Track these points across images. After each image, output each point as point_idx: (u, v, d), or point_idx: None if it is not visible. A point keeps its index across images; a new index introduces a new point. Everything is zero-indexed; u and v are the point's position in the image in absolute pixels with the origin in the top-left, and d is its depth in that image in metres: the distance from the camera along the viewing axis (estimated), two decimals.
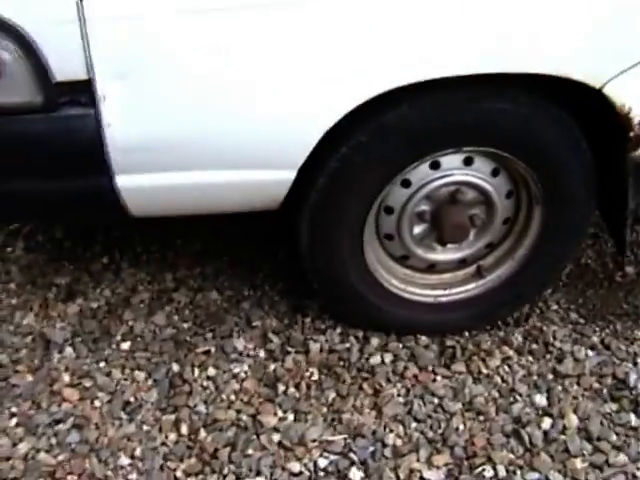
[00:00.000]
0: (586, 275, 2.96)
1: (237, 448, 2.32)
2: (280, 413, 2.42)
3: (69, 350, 2.62)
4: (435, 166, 2.28)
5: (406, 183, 2.30)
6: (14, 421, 2.40)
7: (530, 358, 2.61)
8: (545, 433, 2.37)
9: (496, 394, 2.49)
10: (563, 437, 2.36)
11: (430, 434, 2.37)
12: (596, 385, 2.52)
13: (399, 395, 2.48)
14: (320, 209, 2.27)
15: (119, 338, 2.67)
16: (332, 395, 2.48)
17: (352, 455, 2.31)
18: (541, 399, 2.47)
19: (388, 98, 1.98)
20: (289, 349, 2.63)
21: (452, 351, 2.62)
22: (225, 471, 2.26)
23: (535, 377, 2.55)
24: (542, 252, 2.52)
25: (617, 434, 2.37)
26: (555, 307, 2.81)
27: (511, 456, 2.30)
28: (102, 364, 2.58)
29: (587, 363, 2.59)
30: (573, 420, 2.40)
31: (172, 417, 2.41)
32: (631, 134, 2.14)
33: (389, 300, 2.56)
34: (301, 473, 2.27)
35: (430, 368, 2.57)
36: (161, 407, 2.44)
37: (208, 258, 3.01)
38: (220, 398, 2.46)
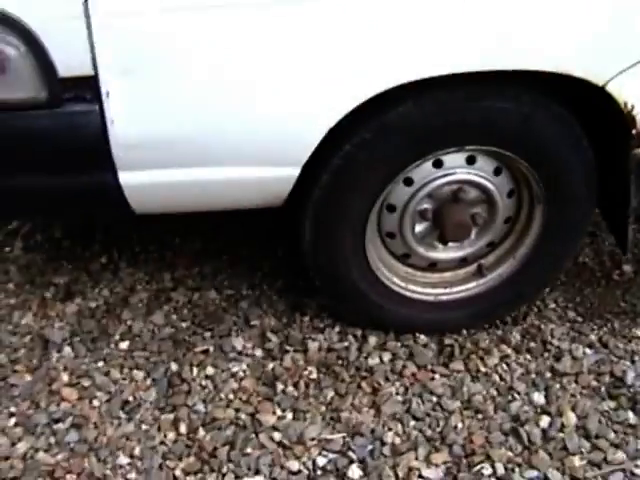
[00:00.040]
0: (584, 274, 2.97)
1: (236, 447, 2.32)
2: (279, 412, 2.43)
3: (68, 350, 2.62)
4: (438, 164, 2.28)
5: (408, 181, 2.30)
6: (13, 421, 2.40)
7: (528, 356, 2.62)
8: (543, 431, 2.37)
9: (494, 392, 2.49)
10: (561, 435, 2.36)
11: (429, 432, 2.37)
12: (594, 383, 2.52)
13: (398, 394, 2.49)
14: (323, 206, 2.28)
15: (118, 338, 2.67)
16: (331, 394, 2.48)
17: (351, 453, 2.31)
18: (539, 397, 2.47)
19: (392, 96, 1.99)
20: (288, 348, 2.63)
21: (450, 350, 2.63)
22: (224, 470, 2.26)
23: (533, 375, 2.55)
24: (543, 251, 2.53)
25: (615, 432, 2.37)
26: (553, 305, 2.82)
27: (509, 454, 2.31)
28: (101, 363, 2.58)
29: (585, 361, 2.59)
30: (571, 418, 2.40)
31: (171, 416, 2.41)
32: (634, 131, 2.15)
33: (390, 298, 2.56)
34: (300, 472, 2.27)
35: (429, 367, 2.57)
36: (160, 406, 2.44)
37: (206, 257, 3.02)
38: (219, 397, 2.47)
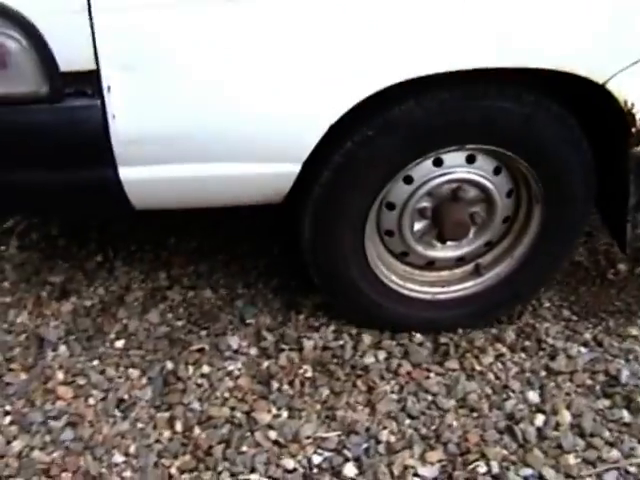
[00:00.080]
0: (578, 272, 2.97)
1: (231, 445, 2.32)
2: (274, 410, 2.42)
3: (63, 348, 2.62)
4: (438, 163, 2.29)
5: (408, 179, 2.31)
6: (8, 419, 2.40)
7: (523, 355, 2.62)
8: (538, 429, 2.37)
9: (489, 391, 2.49)
10: (556, 433, 2.36)
11: (424, 431, 2.37)
12: (589, 382, 2.53)
13: (393, 392, 2.49)
14: (323, 203, 2.28)
15: (113, 336, 2.67)
16: (326, 392, 2.48)
17: (346, 452, 2.31)
18: (534, 396, 2.48)
19: (393, 94, 2.00)
20: (283, 346, 2.63)
21: (445, 348, 2.63)
22: (219, 468, 2.26)
23: (528, 374, 2.55)
24: (541, 251, 2.53)
25: (610, 430, 2.37)
26: (548, 304, 2.82)
27: (504, 452, 2.31)
28: (96, 362, 2.58)
29: (580, 360, 2.60)
30: (566, 416, 2.40)
31: (166, 414, 2.41)
32: (633, 130, 2.15)
33: (389, 297, 2.56)
34: (295, 470, 2.27)
35: (424, 365, 2.57)
36: (155, 405, 2.44)
37: (202, 256, 3.02)
38: (214, 395, 2.47)
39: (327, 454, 2.31)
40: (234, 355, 2.61)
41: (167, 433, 2.36)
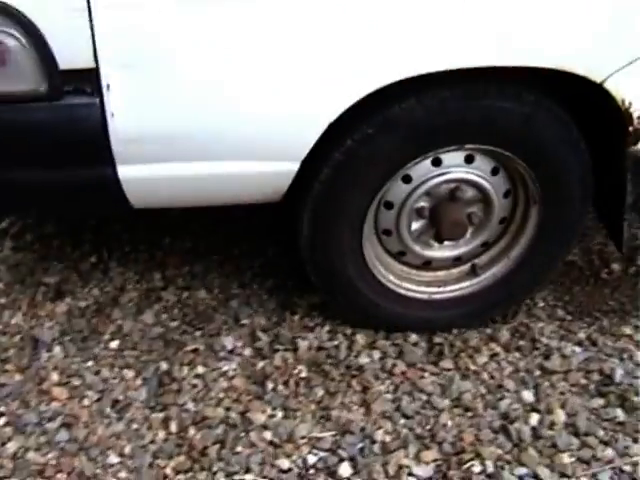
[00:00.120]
0: (572, 272, 2.98)
1: (226, 445, 2.32)
2: (269, 410, 2.43)
3: (58, 349, 2.62)
4: (436, 163, 2.29)
5: (407, 179, 2.31)
6: (3, 420, 2.40)
7: (517, 355, 2.62)
8: (533, 429, 2.38)
9: (484, 390, 2.50)
10: (551, 432, 2.36)
11: (419, 430, 2.38)
12: (583, 381, 2.53)
13: (387, 392, 2.49)
14: (322, 201, 2.28)
15: (108, 337, 2.67)
16: (321, 392, 2.48)
17: (341, 452, 2.31)
18: (529, 395, 2.48)
19: (394, 93, 2.01)
20: (278, 347, 2.63)
21: (440, 348, 2.63)
22: (214, 468, 2.26)
23: (522, 373, 2.56)
24: (537, 251, 2.54)
25: (604, 429, 2.38)
26: (542, 304, 2.83)
27: (499, 451, 2.31)
28: (91, 363, 2.58)
29: (574, 359, 2.60)
30: (560, 416, 2.41)
31: (161, 415, 2.41)
32: (631, 129, 2.16)
33: (386, 296, 2.57)
34: (290, 470, 2.27)
35: (418, 365, 2.58)
36: (150, 405, 2.44)
37: (196, 257, 3.02)
38: (209, 396, 2.46)
39: (322, 454, 2.31)
40: (229, 355, 2.60)
41: (162, 434, 2.36)
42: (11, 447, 2.31)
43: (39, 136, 1.97)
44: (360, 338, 2.66)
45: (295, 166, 2.14)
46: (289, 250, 2.92)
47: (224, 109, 2.00)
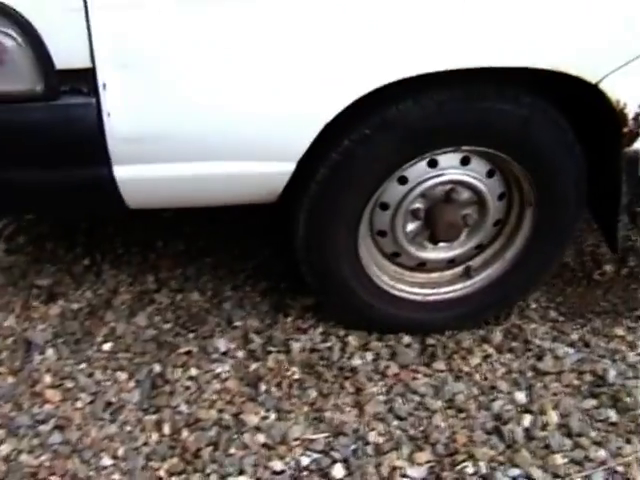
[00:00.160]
0: (565, 273, 2.98)
1: (219, 447, 2.32)
2: (262, 412, 2.42)
3: (50, 351, 2.61)
4: (432, 164, 2.30)
5: (403, 180, 2.31)
6: None
7: (510, 356, 2.63)
8: (526, 430, 2.38)
9: (477, 392, 2.50)
10: (543, 433, 2.36)
11: (412, 432, 2.38)
12: (576, 382, 2.53)
13: (380, 393, 2.49)
14: (319, 201, 2.28)
15: (101, 339, 2.67)
16: (314, 394, 2.48)
17: (334, 453, 2.31)
18: (521, 396, 2.48)
19: (392, 94, 2.01)
20: (271, 349, 2.63)
21: (433, 349, 2.63)
22: (208, 470, 2.26)
23: (515, 374, 2.56)
24: (531, 253, 2.54)
25: (597, 430, 2.38)
26: (534, 305, 2.83)
27: (492, 453, 2.31)
28: (84, 365, 2.57)
29: (566, 360, 2.60)
30: (553, 416, 2.41)
31: (154, 417, 2.41)
32: (625, 129, 2.17)
33: (380, 297, 2.57)
34: (283, 472, 2.27)
35: (411, 366, 2.58)
36: (143, 407, 2.44)
37: (189, 259, 3.02)
38: (202, 398, 2.46)
39: (315, 455, 2.31)
40: (222, 357, 2.60)
41: (155, 436, 2.35)
42: (4, 450, 2.31)
43: (35, 136, 1.97)
44: (353, 340, 2.66)
45: (291, 166, 2.14)
46: (282, 252, 2.92)
47: (220, 109, 2.00)
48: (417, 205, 2.40)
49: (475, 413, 2.43)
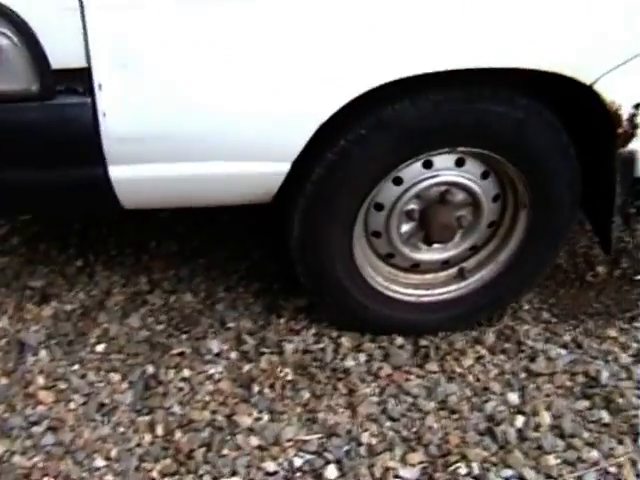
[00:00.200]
0: (558, 275, 2.99)
1: (212, 448, 2.32)
2: (255, 413, 2.42)
3: (43, 353, 2.61)
4: (427, 165, 2.30)
5: (398, 181, 2.32)
6: None
7: (503, 357, 2.63)
8: (518, 431, 2.38)
9: (470, 393, 2.50)
10: (536, 434, 2.37)
11: (405, 433, 2.38)
12: (568, 383, 2.54)
13: (373, 394, 2.49)
14: (314, 201, 2.28)
15: (94, 340, 2.66)
16: (307, 395, 2.48)
17: (327, 454, 2.31)
18: (514, 397, 2.49)
19: (388, 94, 2.02)
20: (264, 350, 2.63)
21: (426, 351, 2.64)
22: (201, 471, 2.26)
23: (508, 376, 2.56)
24: (525, 255, 2.55)
25: (589, 431, 2.39)
26: (527, 307, 2.83)
27: (485, 453, 2.32)
28: (77, 366, 2.57)
29: (559, 361, 2.61)
30: (546, 417, 2.42)
31: (147, 418, 2.41)
32: (620, 130, 2.17)
33: (374, 298, 2.57)
34: (277, 472, 2.27)
35: (404, 368, 2.58)
36: (136, 409, 2.44)
37: (182, 260, 3.02)
38: (195, 399, 2.46)
39: (308, 457, 2.31)
40: (215, 359, 2.60)
41: (148, 437, 2.35)
42: None
43: (30, 136, 1.97)
44: (346, 341, 2.66)
45: (286, 166, 2.14)
46: (275, 253, 2.92)
47: (215, 110, 2.00)
48: (412, 206, 2.40)
49: (468, 414, 2.43)
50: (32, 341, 2.64)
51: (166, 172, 2.11)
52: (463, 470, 2.27)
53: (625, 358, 2.63)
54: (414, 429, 2.39)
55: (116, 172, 2.06)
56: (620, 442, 2.35)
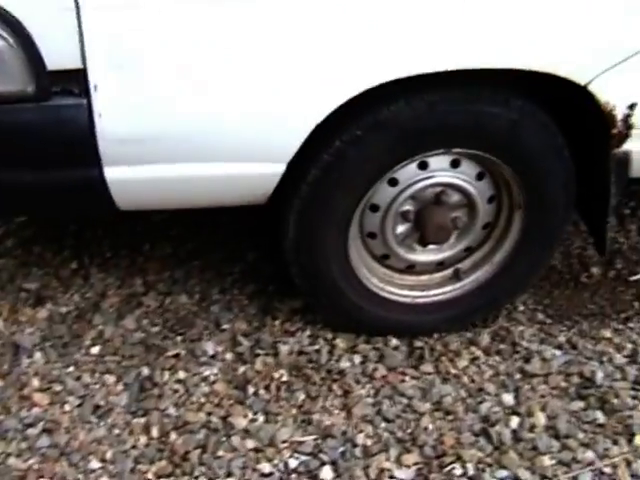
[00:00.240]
0: (552, 276, 2.99)
1: (208, 450, 2.32)
2: (250, 415, 2.43)
3: (38, 355, 2.61)
4: (423, 166, 2.30)
5: (393, 182, 2.32)
6: None
7: (498, 358, 2.63)
8: (513, 431, 2.38)
9: (464, 394, 2.50)
10: (531, 435, 2.37)
11: (399, 434, 2.38)
12: (563, 384, 2.54)
13: (368, 396, 2.49)
14: (310, 202, 2.28)
15: (89, 342, 2.66)
16: (302, 396, 2.48)
17: (322, 455, 2.31)
18: (509, 398, 2.49)
19: (383, 95, 2.02)
20: (259, 351, 2.63)
21: (420, 352, 2.64)
22: (196, 473, 2.26)
23: (503, 377, 2.56)
24: (520, 256, 2.55)
25: (584, 432, 2.39)
26: (522, 308, 2.84)
27: (480, 454, 2.32)
28: (72, 368, 2.57)
29: (554, 362, 2.61)
30: (541, 418, 2.42)
31: (142, 420, 2.41)
32: (614, 131, 2.17)
33: (370, 299, 2.57)
34: (272, 474, 2.27)
35: (399, 369, 2.58)
36: (131, 410, 2.44)
37: (177, 262, 3.01)
38: (190, 401, 2.46)
39: (303, 458, 2.31)
40: (210, 360, 2.60)
41: (143, 439, 2.35)
42: None
43: (26, 137, 1.97)
44: (341, 342, 2.66)
45: (281, 167, 2.14)
46: (270, 255, 2.92)
47: (211, 110, 2.00)
48: (407, 207, 2.40)
49: (463, 415, 2.43)
50: (27, 343, 2.64)
51: (162, 173, 2.10)
52: (458, 471, 2.27)
53: (620, 359, 2.63)
54: (409, 430, 2.39)
55: (112, 173, 2.06)
56: (615, 442, 2.36)
